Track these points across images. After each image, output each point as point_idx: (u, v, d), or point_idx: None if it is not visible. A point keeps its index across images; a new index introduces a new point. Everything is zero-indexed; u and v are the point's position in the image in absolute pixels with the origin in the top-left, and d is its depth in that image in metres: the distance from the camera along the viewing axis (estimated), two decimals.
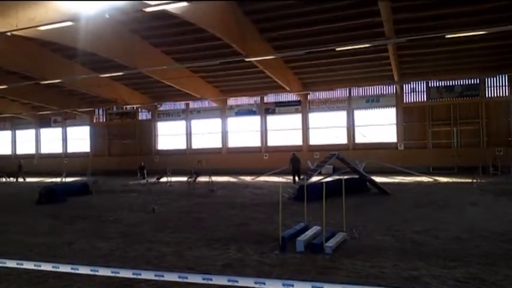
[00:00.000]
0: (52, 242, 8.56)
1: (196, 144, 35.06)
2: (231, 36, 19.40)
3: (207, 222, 10.50)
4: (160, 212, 12.40)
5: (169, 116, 36.10)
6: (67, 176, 24.37)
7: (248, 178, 25.46)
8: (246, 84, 30.60)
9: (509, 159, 23.39)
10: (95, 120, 39.25)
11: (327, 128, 30.89)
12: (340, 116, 30.52)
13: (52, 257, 7.08)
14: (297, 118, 31.59)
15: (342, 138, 30.28)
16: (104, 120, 39.00)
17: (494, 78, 26.54)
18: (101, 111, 38.87)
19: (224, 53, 22.44)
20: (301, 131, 31.33)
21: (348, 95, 30.00)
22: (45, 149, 41.71)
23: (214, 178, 21.32)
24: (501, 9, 18.67)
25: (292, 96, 31.05)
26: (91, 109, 37.78)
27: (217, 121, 34.10)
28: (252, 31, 21.01)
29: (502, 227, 9.04)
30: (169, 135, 36.28)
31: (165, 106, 36.05)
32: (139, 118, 37.46)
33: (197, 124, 35.24)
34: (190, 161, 31.07)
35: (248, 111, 33.09)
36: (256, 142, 32.72)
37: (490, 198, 14.00)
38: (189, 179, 21.90)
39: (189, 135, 35.26)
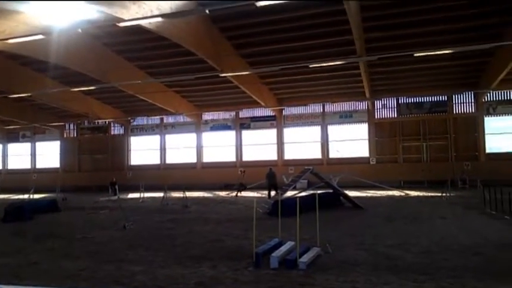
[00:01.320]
0: (16, 262, 8.18)
1: (170, 160, 34.66)
2: (206, 51, 19.48)
3: (180, 239, 10.30)
4: (132, 229, 12.10)
5: (143, 130, 35.64)
6: (35, 192, 23.55)
7: (223, 193, 25.27)
8: (221, 99, 30.67)
9: (476, 173, 24.20)
10: (65, 135, 38.27)
11: (302, 143, 31.20)
12: (315, 131, 30.93)
13: (15, 278, 6.77)
14: (272, 133, 31.81)
15: (316, 153, 30.60)
16: (75, 135, 38.08)
17: (461, 95, 27.60)
18: (71, 125, 37.98)
19: (199, 68, 22.47)
20: (276, 146, 31.51)
21: (321, 110, 30.50)
22: (12, 165, 40.24)
23: (189, 193, 21.03)
24: (467, 30, 19.58)
25: (267, 112, 31.29)
26: (61, 123, 36.83)
27: (192, 136, 33.90)
28: (227, 47, 21.17)
29: (470, 240, 9.28)
30: (143, 150, 35.74)
31: (139, 121, 35.62)
32: (112, 133, 36.78)
33: (172, 139, 34.92)
34: (164, 176, 30.71)
35: (223, 126, 33.08)
36: (231, 157, 32.64)
37: (458, 212, 14.37)
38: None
39: (163, 150, 34.86)
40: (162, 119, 34.67)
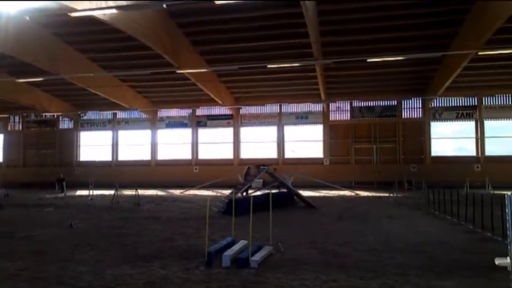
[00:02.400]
0: None
1: (123, 156, 33.63)
2: (163, 46, 19.07)
3: (130, 238, 10.02)
4: (79, 228, 11.61)
5: (93, 125, 34.29)
6: None
7: (177, 191, 24.88)
8: (178, 96, 30.21)
9: (421, 175, 25.44)
10: (9, 128, 36.03)
11: (258, 142, 31.39)
12: (271, 131, 31.21)
13: None
14: (228, 132, 31.72)
15: (272, 153, 30.88)
16: (20, 128, 35.95)
17: (410, 101, 28.93)
18: (17, 118, 35.81)
19: (155, 63, 21.98)
20: (232, 145, 31.47)
21: (278, 110, 30.83)
22: None
23: (141, 191, 20.54)
24: (417, 38, 20.56)
25: (224, 110, 31.15)
26: (5, 116, 34.68)
27: (147, 132, 33.09)
28: (185, 43, 20.86)
29: (414, 239, 9.75)
30: (94, 146, 34.40)
31: (90, 115, 34.24)
32: (60, 127, 35.11)
33: (125, 135, 33.89)
34: (116, 173, 29.75)
35: (179, 124, 32.57)
36: (186, 155, 32.21)
37: (404, 212, 15.06)
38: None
39: (115, 146, 33.73)
40: (114, 114, 33.55)
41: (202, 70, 22.36)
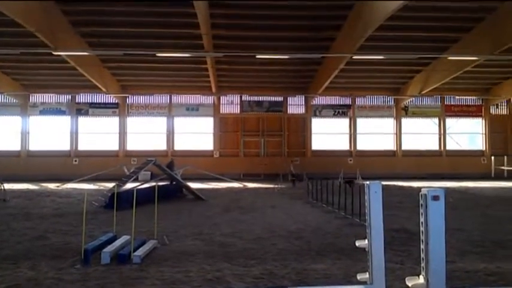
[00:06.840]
0: None
1: None
2: (36, 24, 17.03)
3: None
4: None
5: None
6: None
7: (52, 185, 22.64)
8: (55, 80, 27.40)
9: (303, 168, 27.36)
10: None
11: (146, 133, 30.24)
12: (160, 122, 30.33)
13: None
14: (114, 121, 29.91)
15: (161, 145, 30.06)
16: None
17: (294, 98, 30.79)
18: None
19: (27, 42, 19.58)
20: (118, 136, 29.77)
21: (168, 101, 30.08)
22: None
23: (8, 186, 18.23)
24: (301, 39, 21.88)
25: (109, 98, 29.25)
26: None
27: (17, 119, 29.37)
28: (64, 23, 19.00)
29: (294, 226, 10.44)
30: None
31: None
32: None
33: None
34: None
35: (56, 111, 29.58)
36: (64, 145, 29.46)
37: (287, 202, 16.03)
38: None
39: None
40: None
41: (82, 53, 20.62)
